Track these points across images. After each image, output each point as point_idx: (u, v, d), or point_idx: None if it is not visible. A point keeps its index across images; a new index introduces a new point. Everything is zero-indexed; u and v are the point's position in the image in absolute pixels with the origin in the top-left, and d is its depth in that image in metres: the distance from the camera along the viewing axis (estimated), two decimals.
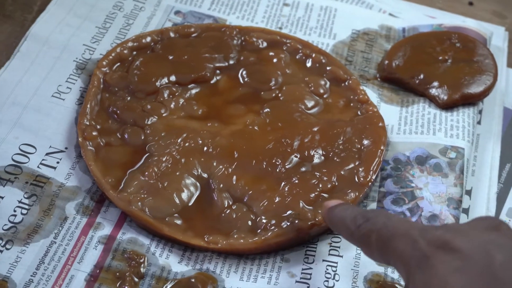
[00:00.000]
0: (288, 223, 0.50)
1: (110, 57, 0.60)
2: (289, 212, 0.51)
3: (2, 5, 0.65)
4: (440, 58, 0.62)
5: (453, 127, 0.58)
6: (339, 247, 0.51)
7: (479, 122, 0.61)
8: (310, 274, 0.50)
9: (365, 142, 0.56)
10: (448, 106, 0.59)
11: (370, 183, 0.54)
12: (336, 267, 0.50)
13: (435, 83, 0.60)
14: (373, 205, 0.54)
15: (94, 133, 0.55)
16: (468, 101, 0.60)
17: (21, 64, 0.59)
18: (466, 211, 0.55)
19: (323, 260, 0.50)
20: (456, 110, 0.59)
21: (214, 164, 0.54)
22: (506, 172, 0.59)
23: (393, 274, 0.50)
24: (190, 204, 0.52)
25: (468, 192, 0.56)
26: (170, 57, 0.61)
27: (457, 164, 0.55)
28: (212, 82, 0.60)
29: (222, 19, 0.66)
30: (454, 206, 0.53)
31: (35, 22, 0.62)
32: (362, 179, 0.54)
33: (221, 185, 0.53)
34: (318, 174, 0.54)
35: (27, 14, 0.65)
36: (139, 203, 0.51)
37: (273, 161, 0.54)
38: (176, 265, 0.50)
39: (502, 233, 0.37)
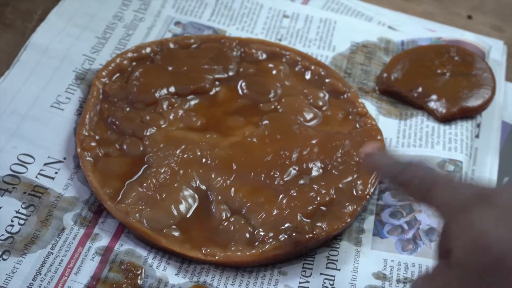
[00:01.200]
0: (286, 236, 0.50)
1: (110, 67, 0.60)
2: (287, 224, 0.51)
3: (3, 13, 0.65)
4: (439, 71, 0.63)
5: (451, 140, 0.58)
6: (336, 261, 0.51)
7: (477, 136, 0.61)
8: (307, 287, 0.50)
9: (363, 155, 0.56)
10: (446, 119, 0.60)
11: (368, 196, 0.54)
12: (333, 280, 0.50)
13: (434, 96, 0.61)
14: (370, 218, 0.54)
15: (92, 144, 0.55)
16: (466, 114, 0.60)
17: (21, 74, 0.59)
18: None
19: (321, 274, 0.50)
20: (454, 123, 0.60)
21: (213, 176, 0.54)
22: None
23: (390, 287, 0.50)
24: (188, 216, 0.52)
25: None
26: (170, 68, 0.61)
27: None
28: (211, 93, 0.60)
29: (222, 30, 0.66)
30: None
31: (35, 32, 0.62)
32: (360, 192, 0.54)
33: (219, 197, 0.53)
34: (316, 187, 0.54)
35: (27, 23, 0.65)
36: (137, 215, 0.51)
37: (272, 173, 0.54)
38: (173, 277, 0.50)
39: None
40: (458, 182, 0.40)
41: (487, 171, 0.59)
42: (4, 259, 0.49)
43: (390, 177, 0.43)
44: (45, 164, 0.54)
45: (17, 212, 0.51)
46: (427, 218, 0.53)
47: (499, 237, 0.35)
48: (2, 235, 0.50)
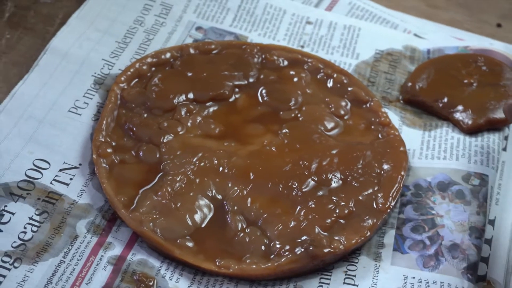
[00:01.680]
0: (302, 250, 0.49)
1: (129, 72, 0.59)
2: (304, 237, 0.50)
3: (24, 17, 0.65)
4: (465, 81, 0.61)
5: (477, 153, 0.56)
6: (354, 276, 0.50)
7: (504, 149, 0.59)
8: None
9: (385, 167, 0.54)
10: (472, 131, 0.58)
11: (388, 210, 0.52)
12: None
13: (460, 107, 0.59)
14: (391, 232, 0.52)
15: (108, 150, 0.54)
16: (493, 126, 0.58)
17: (39, 78, 0.58)
18: (488, 241, 0.53)
19: None
20: (480, 135, 0.58)
21: (229, 185, 0.53)
22: None
23: None
24: (202, 226, 0.51)
25: (492, 222, 0.54)
26: (189, 74, 0.60)
27: (481, 191, 0.54)
28: (230, 100, 0.59)
29: (244, 36, 0.65)
30: (476, 235, 0.51)
31: (55, 36, 0.62)
32: (380, 205, 0.52)
33: (235, 207, 0.52)
34: (335, 198, 0.52)
35: (49, 27, 0.64)
36: (151, 224, 0.50)
37: (290, 184, 0.53)
38: None
39: None
40: None
41: None
42: (15, 267, 0.48)
43: None
44: (60, 170, 0.53)
45: (31, 218, 0.50)
46: (450, 233, 0.51)
47: None
48: (14, 242, 0.49)
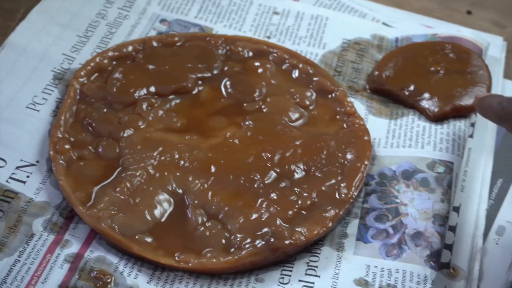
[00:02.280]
0: (263, 242, 0.48)
1: (89, 67, 0.58)
2: (265, 230, 0.49)
3: None
4: (432, 69, 0.60)
5: (442, 140, 0.56)
6: (316, 267, 0.49)
7: (471, 136, 0.58)
8: None
9: (349, 156, 0.53)
10: (438, 118, 0.57)
11: (351, 200, 0.51)
12: (312, 287, 0.48)
13: (426, 95, 0.58)
14: (355, 222, 0.51)
15: (66, 146, 0.53)
16: (459, 113, 0.57)
17: None
18: (453, 228, 0.52)
19: (299, 280, 0.48)
20: (446, 122, 0.57)
21: (190, 179, 0.52)
22: (497, 187, 0.56)
23: None
24: (162, 220, 0.50)
25: (456, 209, 0.54)
26: (151, 67, 0.59)
27: (445, 179, 0.53)
28: (193, 93, 0.58)
29: (209, 28, 0.64)
30: (440, 222, 0.51)
31: (14, 31, 0.61)
32: (343, 195, 0.51)
33: (196, 201, 0.51)
34: (298, 190, 0.51)
35: (10, 22, 0.63)
36: (109, 220, 0.49)
37: (252, 176, 0.52)
38: (145, 285, 0.47)
39: None
40: None
41: (480, 172, 0.56)
42: None
43: (493, 115, 0.49)
44: (17, 168, 0.52)
45: None
46: (414, 221, 0.51)
47: None
48: None
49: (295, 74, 0.60)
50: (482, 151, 0.58)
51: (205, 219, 0.50)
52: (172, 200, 0.51)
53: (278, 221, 0.49)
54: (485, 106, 0.51)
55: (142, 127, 0.55)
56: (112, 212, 0.49)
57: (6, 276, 0.47)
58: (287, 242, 0.48)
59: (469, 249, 0.51)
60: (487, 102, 0.50)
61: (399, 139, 0.56)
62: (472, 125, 0.58)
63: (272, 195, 0.51)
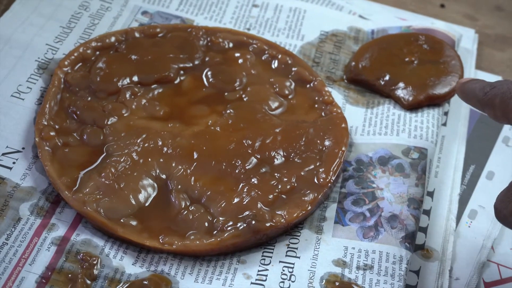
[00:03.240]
0: (245, 225, 0.50)
1: (72, 57, 0.59)
2: (246, 213, 0.50)
3: None
4: (407, 59, 0.62)
5: (417, 128, 0.58)
6: (296, 248, 0.51)
7: (444, 124, 0.60)
8: (266, 275, 0.49)
9: (327, 143, 0.55)
10: (413, 107, 0.59)
11: (329, 184, 0.53)
12: (292, 268, 0.49)
13: (401, 84, 0.60)
14: (333, 206, 0.53)
15: (51, 133, 0.54)
16: (433, 102, 0.59)
17: None
18: (427, 212, 0.54)
19: (280, 262, 0.50)
20: (421, 111, 0.59)
21: (173, 165, 0.53)
22: (469, 174, 0.58)
23: (350, 274, 0.49)
24: (146, 205, 0.51)
25: (431, 194, 0.55)
26: (134, 57, 0.60)
27: (420, 164, 0.55)
28: (175, 82, 0.59)
29: (190, 20, 0.65)
30: (414, 206, 0.52)
31: None
32: (321, 180, 0.53)
33: (179, 186, 0.52)
34: (277, 175, 0.53)
35: None
36: (94, 204, 0.50)
37: (233, 162, 0.53)
38: (130, 266, 0.49)
39: None
40: None
41: (453, 158, 0.58)
42: None
43: (476, 101, 0.48)
44: (3, 154, 0.53)
45: None
46: (390, 205, 0.52)
47: None
48: None
49: (275, 64, 0.62)
50: (455, 138, 0.60)
51: (188, 203, 0.51)
52: (155, 185, 0.52)
53: (259, 205, 0.51)
54: (467, 91, 0.49)
55: (125, 115, 0.56)
56: (98, 197, 0.51)
57: None
58: (267, 224, 0.50)
59: (443, 232, 0.53)
60: (469, 87, 0.49)
61: (375, 127, 0.58)
62: (446, 113, 0.60)
63: (253, 180, 0.52)
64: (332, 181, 0.53)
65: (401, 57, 0.62)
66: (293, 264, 0.50)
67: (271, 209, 0.51)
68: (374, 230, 0.51)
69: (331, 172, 0.53)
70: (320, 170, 0.53)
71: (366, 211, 0.52)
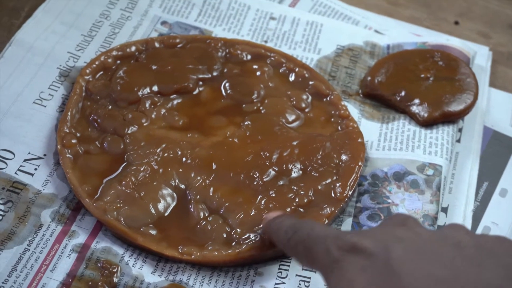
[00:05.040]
0: (263, 237, 0.50)
1: (94, 65, 0.60)
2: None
3: None
4: (422, 75, 0.63)
5: (432, 144, 0.58)
6: None
7: (458, 140, 0.61)
8: None
9: (344, 157, 0.56)
10: (428, 123, 0.60)
11: (346, 199, 0.54)
12: (309, 282, 0.50)
13: (416, 101, 0.61)
14: (348, 220, 0.54)
15: (73, 141, 0.55)
16: (448, 119, 0.60)
17: (4, 70, 0.59)
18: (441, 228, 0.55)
19: (297, 275, 0.50)
20: (435, 127, 0.60)
21: (192, 175, 0.54)
22: (483, 190, 0.59)
23: None
24: (166, 214, 0.52)
25: (444, 209, 0.56)
26: (154, 67, 0.61)
27: (434, 181, 0.56)
28: (194, 93, 0.60)
29: (208, 31, 0.66)
30: (429, 222, 0.53)
31: (21, 28, 0.62)
32: (338, 194, 0.54)
33: (198, 196, 0.53)
34: (295, 188, 0.54)
35: (14, 20, 0.65)
36: (115, 212, 0.51)
37: (251, 173, 0.54)
38: (149, 275, 0.50)
39: (407, 227, 0.39)
40: (331, 239, 0.39)
41: (467, 175, 0.59)
42: None
43: (282, 246, 0.45)
44: (25, 160, 0.54)
45: None
46: None
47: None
48: None
49: (292, 77, 0.62)
50: (469, 155, 0.60)
51: (206, 214, 0.52)
52: (175, 194, 0.53)
53: None
54: (273, 234, 0.47)
55: (145, 124, 0.57)
56: (118, 205, 0.51)
57: (16, 264, 0.49)
58: None
59: None
60: (274, 229, 0.46)
61: (391, 142, 0.59)
62: (460, 130, 0.61)
63: (270, 192, 0.53)
64: (349, 195, 0.54)
65: (417, 73, 0.63)
66: (309, 278, 0.50)
67: None
68: None
69: (348, 187, 0.54)
70: (337, 184, 0.54)
71: None
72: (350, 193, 0.54)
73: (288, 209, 0.52)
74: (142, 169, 0.54)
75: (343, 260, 0.38)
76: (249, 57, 0.63)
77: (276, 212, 0.48)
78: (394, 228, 0.39)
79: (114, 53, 0.61)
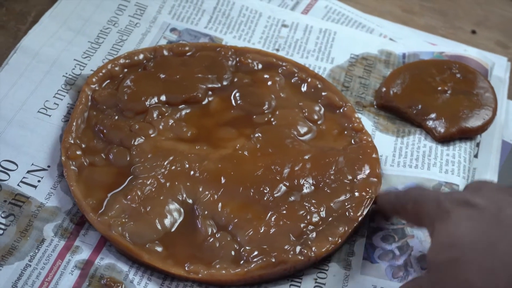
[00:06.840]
0: (273, 255, 0.49)
1: (100, 73, 0.59)
2: (274, 243, 0.49)
3: None
4: (440, 88, 0.61)
5: (448, 162, 0.56)
6: (324, 284, 0.50)
7: (476, 156, 0.59)
8: None
9: (358, 173, 0.54)
10: (444, 139, 0.58)
11: (360, 218, 0.52)
12: None
13: (433, 115, 0.59)
14: (361, 241, 0.52)
15: (78, 152, 0.53)
16: (465, 135, 0.58)
17: (9, 77, 0.57)
18: None
19: None
20: (452, 144, 0.58)
21: (200, 189, 0.52)
22: None
23: None
24: (172, 230, 0.51)
25: None
26: (162, 76, 0.59)
27: None
28: (203, 103, 0.59)
29: (219, 39, 0.64)
30: None
31: (27, 34, 0.61)
32: (352, 213, 0.52)
33: (206, 212, 0.51)
34: (307, 205, 0.52)
35: (20, 25, 0.64)
36: (120, 228, 0.49)
37: (261, 188, 0.53)
38: None
39: None
40: (443, 195, 0.45)
41: None
42: None
43: (391, 208, 0.50)
44: (28, 172, 0.53)
45: None
46: (420, 244, 0.51)
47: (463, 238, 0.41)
48: None
49: (304, 88, 0.61)
50: (487, 170, 0.58)
51: (214, 230, 0.51)
52: (182, 210, 0.52)
53: (287, 236, 0.50)
54: (384, 202, 0.52)
55: (152, 135, 0.55)
56: (123, 220, 0.50)
57: (17, 281, 0.47)
58: (296, 257, 0.49)
59: None
60: (384, 198, 0.52)
61: (406, 158, 0.57)
62: (477, 145, 0.59)
63: (281, 209, 0.51)
64: (363, 215, 0.52)
65: (434, 86, 0.61)
66: None
67: (300, 241, 0.50)
68: (404, 270, 0.50)
69: (363, 207, 0.52)
70: (351, 203, 0.52)
71: (395, 249, 0.51)
72: (364, 212, 0.52)
73: (299, 227, 0.50)
74: (148, 182, 0.52)
75: (453, 211, 0.43)
76: (260, 66, 0.62)
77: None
78: (501, 192, 0.44)
79: (122, 61, 0.60)
